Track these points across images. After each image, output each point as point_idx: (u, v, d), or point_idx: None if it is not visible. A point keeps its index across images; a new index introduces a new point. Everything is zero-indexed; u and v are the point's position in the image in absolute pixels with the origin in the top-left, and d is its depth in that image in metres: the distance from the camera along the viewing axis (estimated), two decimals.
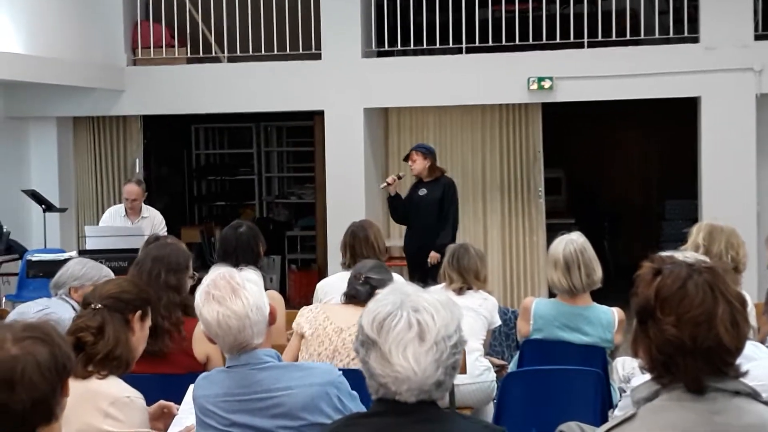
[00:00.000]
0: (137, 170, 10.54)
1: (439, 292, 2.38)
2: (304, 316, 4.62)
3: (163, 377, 4.05)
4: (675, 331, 2.18)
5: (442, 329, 2.26)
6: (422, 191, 8.37)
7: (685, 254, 2.36)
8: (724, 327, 2.17)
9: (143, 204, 9.23)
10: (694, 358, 2.17)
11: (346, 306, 4.65)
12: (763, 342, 3.82)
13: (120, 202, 9.73)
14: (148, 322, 3.55)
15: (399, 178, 8.46)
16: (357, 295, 4.56)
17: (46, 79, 9.22)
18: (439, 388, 2.27)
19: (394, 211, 8.55)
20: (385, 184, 8.47)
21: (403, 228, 8.76)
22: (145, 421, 3.32)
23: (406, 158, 8.52)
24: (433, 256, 7.93)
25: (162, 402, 3.64)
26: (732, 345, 2.18)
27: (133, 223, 9.12)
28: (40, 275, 8.43)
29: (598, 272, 5.06)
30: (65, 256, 8.58)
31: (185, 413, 3.47)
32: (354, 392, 3.10)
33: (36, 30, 9.15)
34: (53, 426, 2.23)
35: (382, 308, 2.28)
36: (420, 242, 8.29)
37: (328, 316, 4.57)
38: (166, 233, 8.95)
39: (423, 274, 7.56)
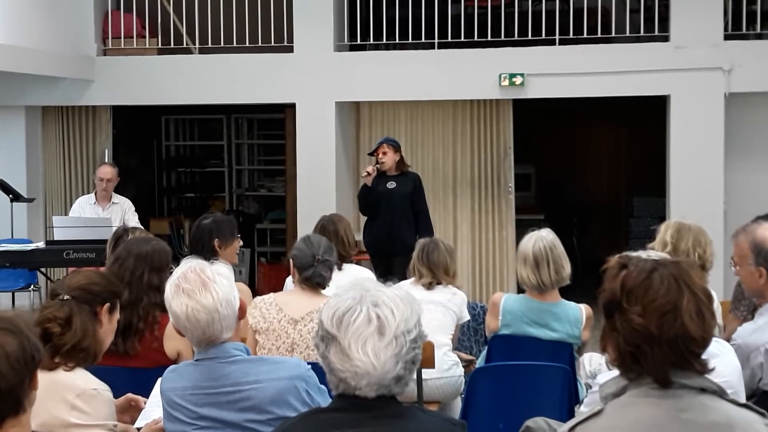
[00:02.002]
0: (106, 161, 10.46)
1: (399, 287, 2.39)
2: (258, 308, 4.56)
3: (131, 371, 4.03)
4: (641, 320, 2.20)
5: (402, 324, 2.27)
6: (391, 184, 8.34)
7: (651, 253, 2.39)
8: (690, 316, 2.20)
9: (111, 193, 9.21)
10: (660, 347, 2.19)
11: (296, 294, 4.63)
12: (728, 340, 3.86)
13: (89, 192, 9.68)
14: (117, 315, 3.53)
15: (377, 169, 8.37)
16: (317, 278, 4.56)
17: (14, 68, 9.12)
18: (399, 382, 2.28)
19: (367, 203, 8.48)
20: (366, 173, 8.41)
21: None
22: (112, 413, 3.30)
23: (373, 152, 8.50)
24: None
25: (129, 395, 3.63)
26: (697, 334, 2.20)
27: (103, 209, 9.07)
28: (7, 265, 8.38)
29: (567, 269, 5.09)
30: (32, 246, 8.53)
31: (152, 406, 3.46)
32: (323, 386, 3.09)
33: (5, 19, 9.05)
34: (21, 418, 2.21)
35: (342, 303, 2.29)
36: (385, 235, 8.26)
37: (281, 308, 4.53)
38: (137, 220, 8.93)
39: (386, 268, 7.56)
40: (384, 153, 8.34)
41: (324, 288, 4.63)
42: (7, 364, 2.14)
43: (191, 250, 5.33)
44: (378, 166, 8.35)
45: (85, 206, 9.17)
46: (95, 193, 9.22)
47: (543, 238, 5.08)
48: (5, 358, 2.15)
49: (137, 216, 9.17)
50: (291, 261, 4.68)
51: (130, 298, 4.12)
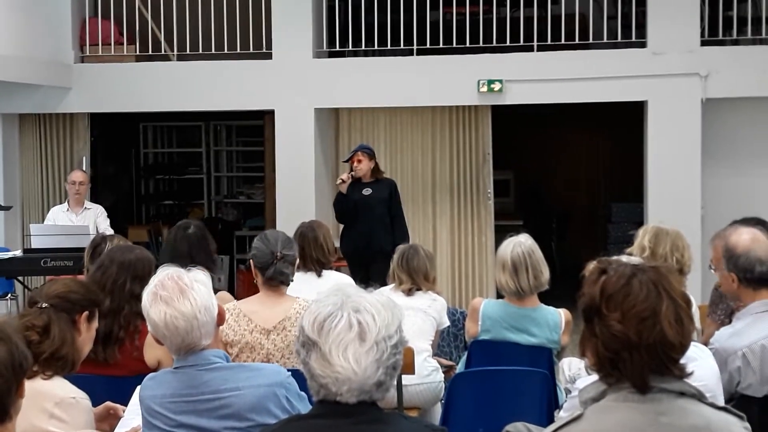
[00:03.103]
0: (84, 168, 10.41)
1: (379, 293, 2.39)
2: (225, 321, 4.22)
3: (109, 379, 4.00)
4: (620, 326, 2.21)
5: (383, 329, 2.27)
6: (367, 191, 8.35)
7: (630, 258, 2.41)
8: (668, 322, 2.21)
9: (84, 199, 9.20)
10: (639, 353, 2.20)
11: (262, 299, 4.49)
12: (706, 344, 3.88)
13: (64, 202, 9.65)
14: (95, 324, 3.51)
15: (352, 177, 8.39)
16: (279, 276, 4.41)
17: None
18: (380, 388, 2.28)
19: (343, 210, 8.48)
20: (341, 180, 8.42)
21: None
22: (91, 422, 3.29)
23: (348, 160, 8.50)
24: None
25: (108, 403, 3.61)
26: (676, 340, 2.22)
27: (77, 215, 9.06)
28: None
29: (546, 274, 5.10)
30: (9, 255, 8.48)
31: (131, 414, 3.44)
32: (303, 393, 3.08)
33: None
34: (7, 426, 2.20)
35: (323, 309, 2.29)
36: (364, 242, 8.26)
37: (251, 319, 4.40)
38: (109, 225, 8.91)
39: (365, 275, 7.57)
40: (359, 161, 8.36)
41: (287, 285, 4.51)
42: None
43: (186, 261, 5.01)
44: (353, 173, 8.37)
45: (58, 215, 9.17)
46: (67, 201, 9.22)
47: (521, 243, 5.09)
48: None
49: (109, 221, 9.16)
50: (251, 263, 4.52)
51: (111, 307, 4.10)
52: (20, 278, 8.96)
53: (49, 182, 10.89)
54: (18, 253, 8.56)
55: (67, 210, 9.14)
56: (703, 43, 9.46)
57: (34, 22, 9.89)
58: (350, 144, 10.30)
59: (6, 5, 9.42)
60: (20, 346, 2.24)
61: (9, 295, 9.28)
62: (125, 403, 3.59)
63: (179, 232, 5.28)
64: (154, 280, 3.10)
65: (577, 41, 9.80)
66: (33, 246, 8.59)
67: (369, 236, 8.24)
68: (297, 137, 10.03)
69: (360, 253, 8.27)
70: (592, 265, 2.41)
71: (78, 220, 8.97)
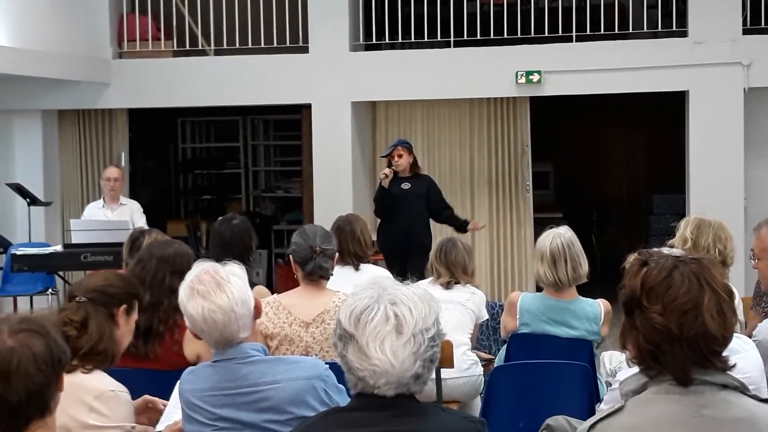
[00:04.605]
0: (123, 164, 10.49)
1: (417, 285, 2.38)
2: (265, 313, 4.33)
3: (150, 373, 4.02)
4: (662, 319, 2.19)
5: (420, 322, 2.26)
6: (405, 185, 8.36)
7: (672, 249, 2.37)
8: (710, 315, 2.18)
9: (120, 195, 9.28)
10: (681, 346, 2.18)
11: (302, 293, 4.50)
12: (750, 336, 3.82)
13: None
14: (134, 317, 3.53)
15: (394, 171, 8.38)
16: (318, 270, 4.42)
17: (30, 71, 9.16)
18: (417, 381, 2.27)
19: (383, 205, 8.49)
20: (384, 175, 8.42)
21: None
22: (130, 414, 3.30)
23: (387, 155, 8.48)
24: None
25: (146, 397, 3.63)
26: (718, 333, 2.19)
27: (112, 211, 9.13)
28: (25, 269, 8.40)
29: (584, 266, 5.06)
30: (50, 250, 8.56)
31: (173, 408, 3.45)
32: (341, 385, 3.08)
33: (21, 23, 9.09)
34: (47, 420, 2.23)
35: (360, 302, 2.28)
36: (403, 236, 8.26)
37: (290, 311, 4.40)
38: (145, 221, 8.97)
39: (402, 268, 7.57)
40: (399, 155, 8.35)
41: (327, 279, 4.51)
42: (34, 366, 2.17)
43: (228, 253, 4.89)
44: (393, 168, 8.36)
45: (93, 211, 9.24)
46: (103, 197, 9.30)
47: (561, 235, 5.05)
48: (33, 359, 2.17)
49: (145, 218, 9.22)
50: (291, 258, 4.53)
51: (151, 301, 4.12)
52: (60, 273, 9.05)
53: (88, 178, 10.99)
54: (58, 248, 8.63)
55: (103, 206, 9.21)
56: (745, 32, 9.34)
57: (72, 19, 9.98)
58: (387, 137, 10.29)
59: (45, 2, 9.52)
60: (58, 341, 2.27)
61: (50, 290, 9.38)
62: (165, 397, 3.60)
63: (224, 224, 5.38)
64: (190, 275, 3.12)
65: (616, 31, 9.73)
66: (73, 241, 8.66)
67: (407, 230, 8.25)
68: (334, 131, 10.03)
69: (398, 246, 8.28)
70: (632, 257, 2.38)
71: (114, 216, 9.03)
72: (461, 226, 8.50)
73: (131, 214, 9.09)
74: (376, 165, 10.10)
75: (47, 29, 9.44)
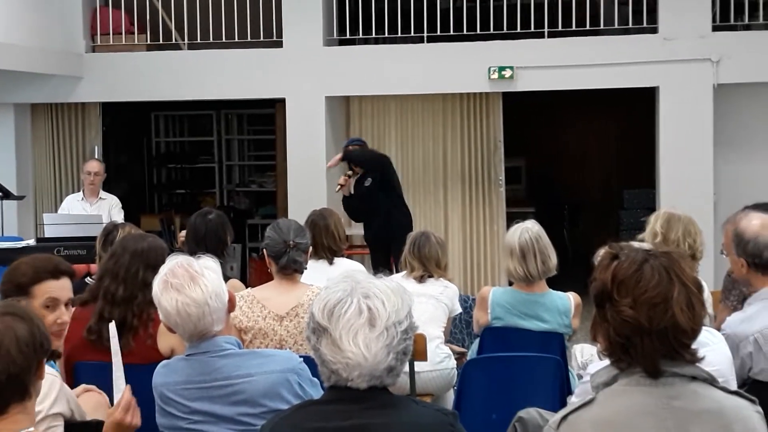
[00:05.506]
0: (96, 157, 10.43)
1: (390, 279, 2.40)
2: (239, 307, 4.35)
3: (124, 367, 3.99)
4: (632, 312, 2.21)
5: (393, 315, 2.27)
6: (368, 181, 8.30)
7: (642, 243, 2.40)
8: (680, 308, 2.21)
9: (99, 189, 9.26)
10: (650, 338, 2.21)
11: (276, 287, 4.50)
12: (719, 330, 3.87)
13: (79, 189, 9.70)
14: (70, 310, 3.51)
15: (349, 176, 8.28)
16: (292, 264, 4.42)
17: (3, 65, 9.08)
18: (390, 373, 2.29)
19: (353, 210, 8.42)
20: (339, 186, 8.37)
21: None
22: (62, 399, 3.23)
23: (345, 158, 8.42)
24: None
25: (84, 385, 3.58)
26: (687, 326, 2.22)
27: (91, 205, 9.12)
28: None
29: (553, 259, 5.10)
30: (23, 244, 8.49)
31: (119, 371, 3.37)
32: (315, 379, 3.09)
33: None
34: (27, 404, 2.26)
35: (333, 295, 2.29)
36: (384, 226, 8.24)
37: (264, 305, 4.40)
38: (122, 217, 8.94)
39: (386, 256, 7.57)
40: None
41: (301, 273, 4.51)
42: (16, 348, 2.20)
43: (202, 247, 4.99)
44: (348, 173, 8.30)
45: (73, 203, 9.23)
46: (83, 190, 9.28)
47: (528, 229, 5.09)
48: (15, 341, 2.21)
49: (123, 213, 9.20)
50: (265, 252, 4.52)
51: (124, 295, 4.10)
52: None
53: (61, 172, 10.93)
54: (31, 242, 8.57)
55: (82, 199, 9.23)
56: (715, 29, 9.42)
57: (45, 12, 9.91)
58: (361, 132, 10.30)
59: None
60: (42, 328, 2.30)
61: None
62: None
63: (199, 218, 5.40)
64: (164, 269, 3.12)
65: (588, 27, 9.78)
66: (46, 235, 8.61)
67: (386, 219, 8.20)
68: (308, 125, 10.03)
69: (382, 237, 8.24)
70: (603, 251, 2.41)
71: (92, 210, 9.02)
72: None
73: (109, 209, 9.09)
74: None
75: (20, 23, 9.37)
